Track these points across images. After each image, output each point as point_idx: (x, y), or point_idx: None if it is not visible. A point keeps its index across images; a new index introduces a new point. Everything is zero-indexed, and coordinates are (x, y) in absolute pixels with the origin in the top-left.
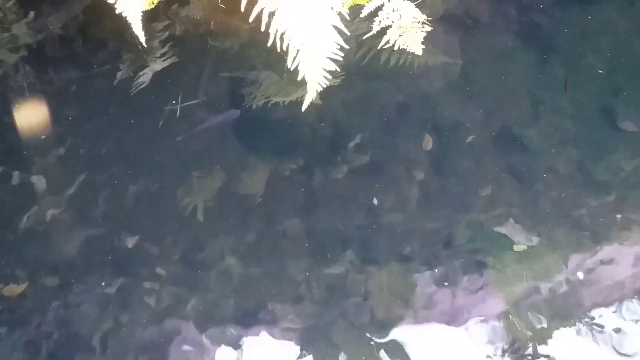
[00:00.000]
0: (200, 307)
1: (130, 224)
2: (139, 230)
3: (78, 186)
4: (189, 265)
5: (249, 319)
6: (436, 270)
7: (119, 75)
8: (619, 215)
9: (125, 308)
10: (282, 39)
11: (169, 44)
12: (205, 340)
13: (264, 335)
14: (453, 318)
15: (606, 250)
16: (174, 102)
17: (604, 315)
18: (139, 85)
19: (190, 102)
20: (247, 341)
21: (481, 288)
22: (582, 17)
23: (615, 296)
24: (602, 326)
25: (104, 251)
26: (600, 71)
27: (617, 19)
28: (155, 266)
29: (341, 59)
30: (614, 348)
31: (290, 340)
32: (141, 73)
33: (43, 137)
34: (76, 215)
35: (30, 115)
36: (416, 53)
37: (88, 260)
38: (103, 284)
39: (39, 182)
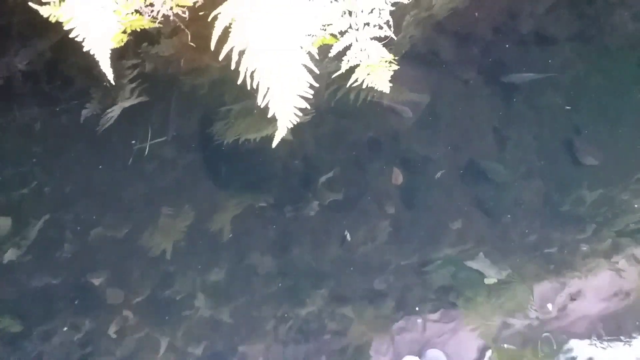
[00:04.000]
0: (169, 352)
1: (96, 265)
2: (105, 272)
3: (43, 226)
4: (156, 307)
5: None
6: (409, 305)
7: (84, 112)
8: (584, 247)
9: (90, 354)
10: (252, 77)
11: (138, 81)
12: None
13: None
14: (426, 352)
15: (573, 281)
16: (133, 142)
17: (575, 345)
18: (107, 123)
19: (160, 140)
20: None
21: (453, 321)
22: (542, 57)
23: (584, 325)
24: (574, 356)
25: (68, 293)
26: (567, 107)
27: (575, 59)
28: (122, 309)
29: (311, 97)
30: None
31: None
32: (109, 110)
33: (2, 177)
34: (40, 257)
35: None
36: (384, 91)
37: (51, 304)
38: (65, 328)
39: (3, 222)
